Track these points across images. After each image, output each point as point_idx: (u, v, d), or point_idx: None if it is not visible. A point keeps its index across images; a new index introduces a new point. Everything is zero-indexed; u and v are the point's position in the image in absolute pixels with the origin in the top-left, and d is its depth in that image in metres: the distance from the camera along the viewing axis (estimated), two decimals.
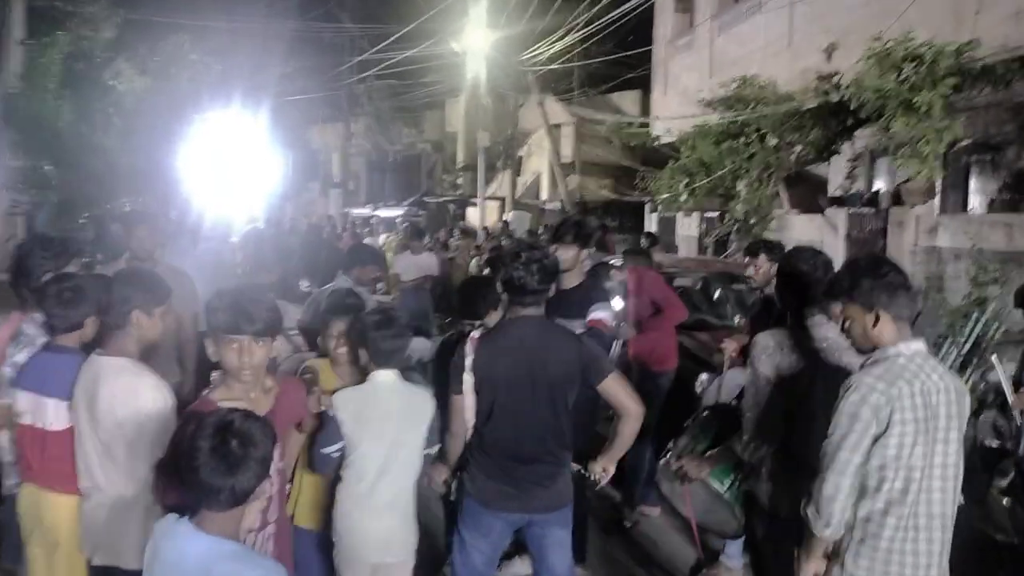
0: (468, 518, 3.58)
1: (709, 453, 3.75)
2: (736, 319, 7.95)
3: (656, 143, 15.30)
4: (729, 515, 3.66)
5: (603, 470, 3.62)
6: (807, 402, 3.27)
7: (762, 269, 5.11)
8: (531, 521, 3.57)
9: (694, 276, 8.91)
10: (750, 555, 3.90)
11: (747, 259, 5.34)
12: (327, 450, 3.34)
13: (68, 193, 15.40)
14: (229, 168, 18.23)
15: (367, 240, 15.63)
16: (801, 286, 3.51)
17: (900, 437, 2.63)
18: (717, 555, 5.08)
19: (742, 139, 11.49)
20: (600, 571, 5.20)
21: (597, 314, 4.56)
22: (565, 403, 3.50)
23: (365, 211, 25.67)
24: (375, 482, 3.32)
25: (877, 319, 2.74)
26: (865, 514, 2.71)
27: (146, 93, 16.53)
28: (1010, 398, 4.85)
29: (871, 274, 2.79)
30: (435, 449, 3.56)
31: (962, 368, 8.25)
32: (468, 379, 3.49)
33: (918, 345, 2.74)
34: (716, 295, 8.64)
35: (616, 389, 3.48)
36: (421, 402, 3.48)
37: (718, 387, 5.60)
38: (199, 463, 2.07)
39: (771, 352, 3.38)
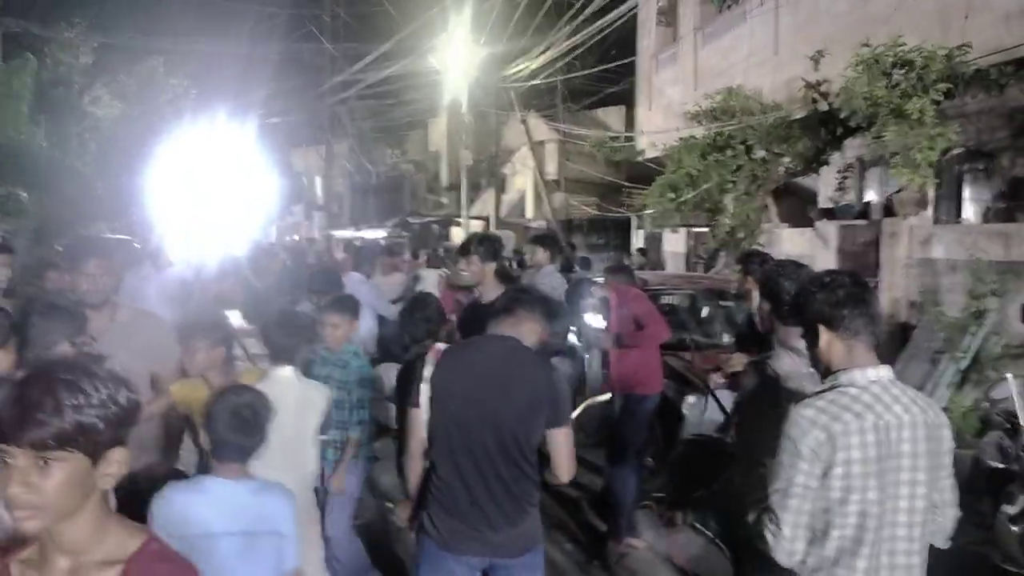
0: (426, 562, 3.25)
1: (695, 495, 3.42)
2: (724, 337, 7.67)
3: (641, 158, 15.05)
4: (722, 559, 3.34)
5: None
6: None
7: (734, 279, 4.89)
8: (495, 565, 3.24)
9: (681, 294, 8.65)
10: None
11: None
12: None
13: (44, 219, 15.14)
14: (209, 193, 17.91)
15: None
16: (784, 303, 3.18)
17: (845, 479, 2.28)
18: None
19: (729, 152, 11.21)
20: None
21: None
22: (531, 432, 3.16)
23: (349, 233, 25.40)
24: (277, 464, 3.45)
25: (820, 337, 2.42)
26: (815, 563, 2.36)
27: (123, 118, 16.33)
28: (1023, 421, 4.49)
29: (813, 286, 2.48)
30: (330, 434, 3.96)
31: (961, 384, 8.00)
32: (425, 390, 3.25)
33: (879, 372, 2.38)
34: (704, 313, 8.37)
35: (561, 446, 3.21)
36: (315, 394, 3.86)
37: (703, 409, 5.35)
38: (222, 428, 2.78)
39: (759, 378, 3.07)
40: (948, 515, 2.52)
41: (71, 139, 15.44)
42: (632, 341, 5.65)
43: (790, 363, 3.12)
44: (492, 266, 5.04)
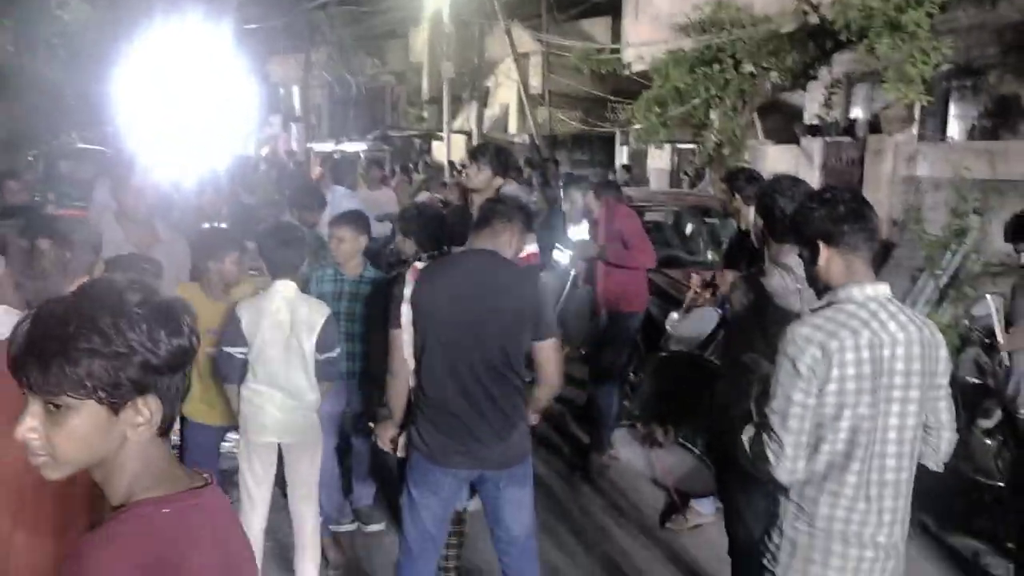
0: (416, 475, 3.30)
1: (677, 411, 3.45)
2: (709, 254, 7.66)
3: (628, 71, 14.76)
4: (705, 474, 3.39)
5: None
6: None
7: (721, 197, 4.85)
8: (484, 477, 3.29)
9: (666, 210, 8.61)
10: (724, 508, 3.65)
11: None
12: (229, 349, 3.73)
13: (12, 129, 14.79)
14: (184, 102, 17.45)
15: None
16: (779, 220, 3.15)
17: (839, 396, 2.29)
18: (687, 500, 4.88)
19: (717, 66, 11.00)
20: (568, 519, 5.01)
21: (527, 247, 4.19)
22: (517, 345, 3.17)
23: (328, 146, 24.96)
24: (275, 375, 3.72)
25: (819, 253, 2.40)
26: (805, 477, 2.39)
27: (92, 22, 15.80)
28: (1000, 338, 4.54)
29: (812, 202, 2.46)
30: (336, 352, 3.86)
31: (939, 301, 8.08)
32: (406, 311, 3.24)
33: (876, 289, 2.37)
34: (688, 230, 8.35)
35: (549, 356, 3.26)
36: (312, 311, 3.79)
37: (687, 326, 5.38)
38: None
39: (748, 295, 3.06)
40: (944, 437, 2.52)
41: (39, 45, 14.96)
42: (618, 260, 5.62)
43: (779, 281, 3.11)
44: (499, 181, 4.88)
